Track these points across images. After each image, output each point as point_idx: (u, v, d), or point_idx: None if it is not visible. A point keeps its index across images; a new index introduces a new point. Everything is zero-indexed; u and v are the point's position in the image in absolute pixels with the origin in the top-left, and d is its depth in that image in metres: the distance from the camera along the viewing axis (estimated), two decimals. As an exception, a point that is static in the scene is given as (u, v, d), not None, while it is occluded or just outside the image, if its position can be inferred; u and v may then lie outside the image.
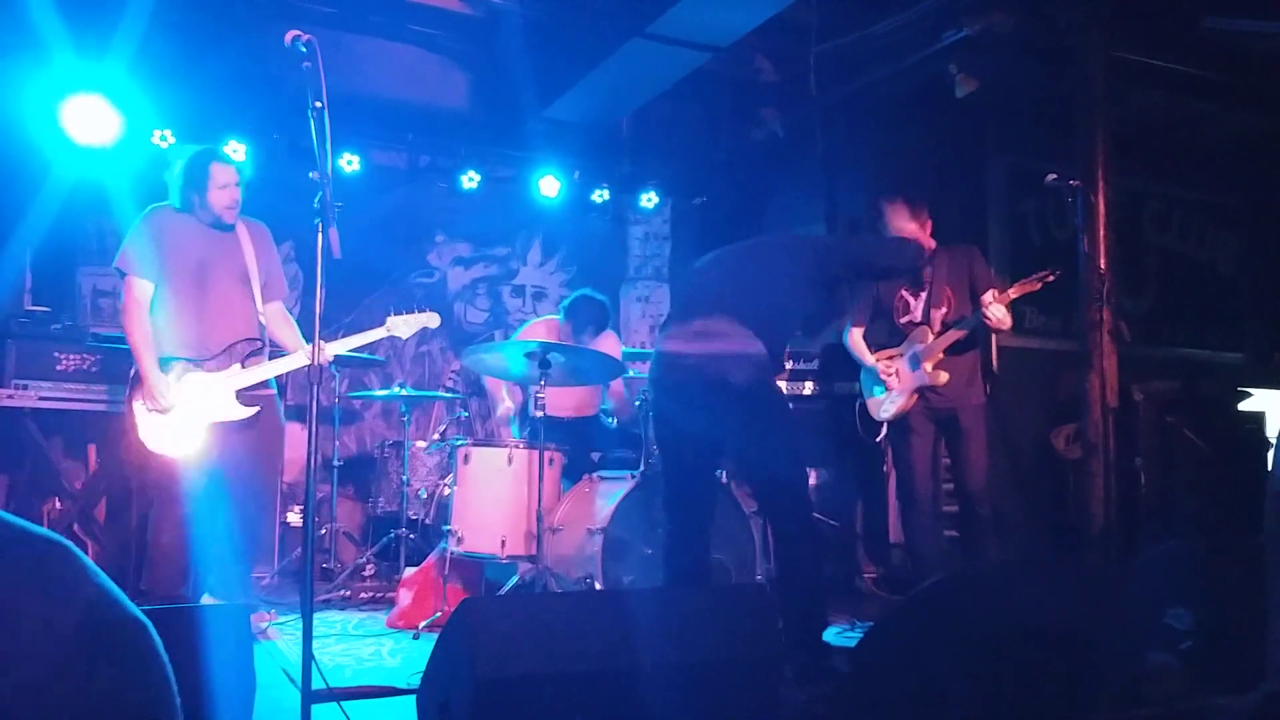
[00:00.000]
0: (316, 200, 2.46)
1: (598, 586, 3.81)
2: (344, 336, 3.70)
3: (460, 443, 4.33)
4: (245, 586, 3.68)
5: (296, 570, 4.92)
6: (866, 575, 5.26)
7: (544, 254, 6.68)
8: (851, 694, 2.27)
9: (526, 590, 3.92)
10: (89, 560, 0.93)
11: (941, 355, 4.02)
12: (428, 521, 5.01)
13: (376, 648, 3.78)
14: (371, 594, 4.80)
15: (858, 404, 4.40)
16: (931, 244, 4.07)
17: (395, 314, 3.78)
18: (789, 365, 5.36)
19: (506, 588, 4.08)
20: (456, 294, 6.41)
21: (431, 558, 4.28)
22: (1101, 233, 4.62)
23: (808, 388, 5.41)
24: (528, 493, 3.96)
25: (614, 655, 2.23)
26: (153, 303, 3.57)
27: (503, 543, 4.00)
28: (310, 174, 2.49)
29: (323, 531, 5.14)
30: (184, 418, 3.53)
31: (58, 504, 4.61)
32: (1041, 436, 5.80)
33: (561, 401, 4.79)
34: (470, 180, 6.09)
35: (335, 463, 5.23)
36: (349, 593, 4.83)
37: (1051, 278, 3.94)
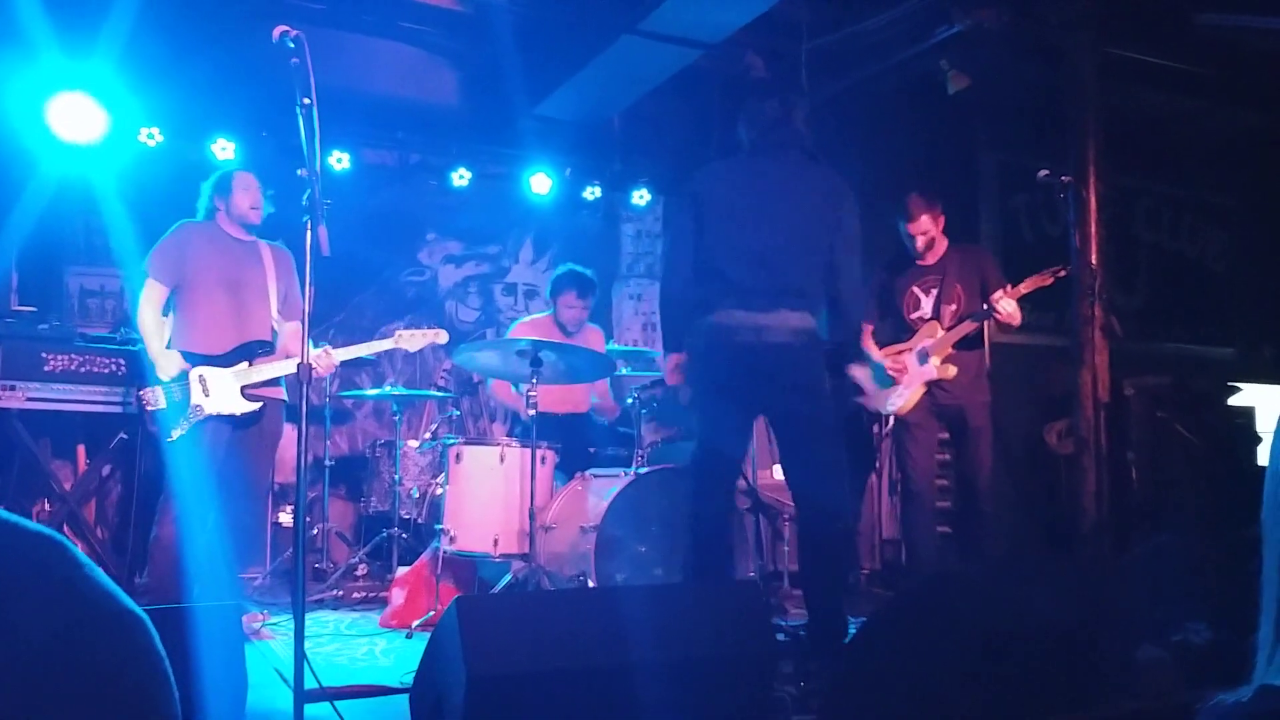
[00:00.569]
0: (305, 198, 2.46)
1: (591, 584, 3.81)
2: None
3: (452, 441, 4.32)
4: (236, 587, 3.74)
5: (289, 570, 4.89)
6: (860, 571, 5.27)
7: (535, 252, 6.65)
8: (844, 689, 2.27)
9: (519, 589, 3.92)
10: (84, 555, 0.92)
11: (951, 350, 4.06)
12: (420, 520, 4.99)
13: (369, 647, 3.77)
14: (364, 594, 4.79)
15: (852, 401, 4.41)
16: (944, 241, 4.20)
17: (405, 328, 4.20)
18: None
19: (499, 586, 4.07)
20: (448, 292, 6.37)
21: (424, 557, 4.27)
22: (1093, 229, 4.65)
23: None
24: (520, 491, 3.96)
25: (607, 653, 2.23)
26: (172, 304, 3.86)
27: (495, 541, 4.00)
28: (299, 171, 2.47)
29: (315, 531, 5.12)
30: (218, 380, 3.79)
31: (47, 505, 4.59)
32: (1033, 432, 5.81)
33: (553, 397, 4.78)
34: (461, 178, 6.06)
35: (327, 462, 5.21)
36: (341, 592, 4.82)
37: (1063, 272, 4.08)
